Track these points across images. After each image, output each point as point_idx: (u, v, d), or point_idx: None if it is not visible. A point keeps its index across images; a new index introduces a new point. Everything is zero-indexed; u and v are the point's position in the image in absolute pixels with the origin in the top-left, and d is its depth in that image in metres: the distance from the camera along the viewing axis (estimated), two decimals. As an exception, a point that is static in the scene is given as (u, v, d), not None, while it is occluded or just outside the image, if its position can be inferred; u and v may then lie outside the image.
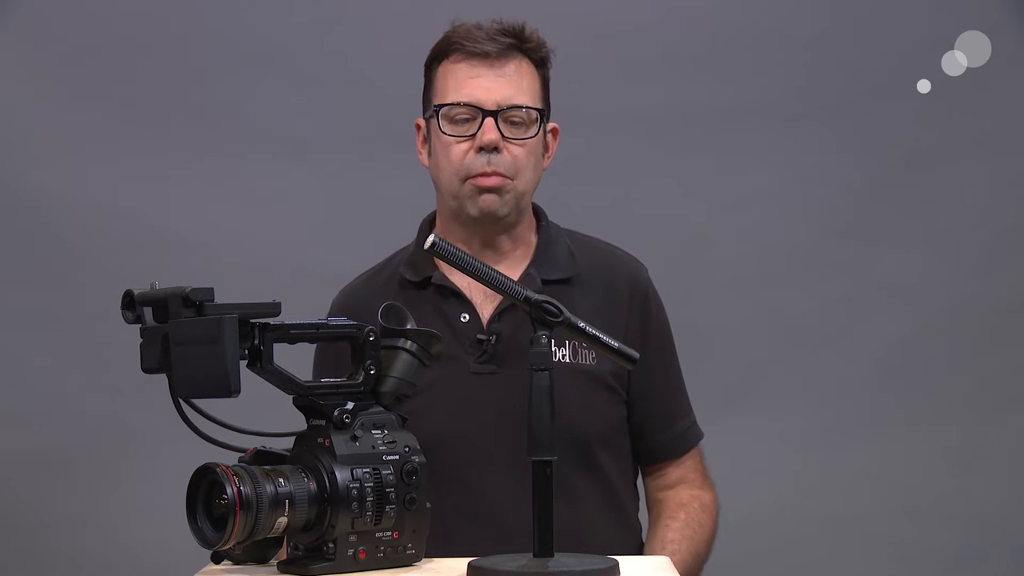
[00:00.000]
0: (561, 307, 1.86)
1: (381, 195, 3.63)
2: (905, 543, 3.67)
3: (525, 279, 2.27)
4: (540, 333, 1.84)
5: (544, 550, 1.81)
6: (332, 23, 3.68)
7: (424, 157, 2.34)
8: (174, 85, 3.66)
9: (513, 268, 2.30)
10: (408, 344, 1.89)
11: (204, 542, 1.76)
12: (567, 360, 2.26)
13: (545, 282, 2.28)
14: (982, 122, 3.66)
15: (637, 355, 1.93)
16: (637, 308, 2.33)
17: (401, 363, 1.88)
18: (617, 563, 1.85)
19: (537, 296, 1.86)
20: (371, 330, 1.86)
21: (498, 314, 2.27)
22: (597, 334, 1.89)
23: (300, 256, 3.63)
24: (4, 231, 3.64)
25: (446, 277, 2.29)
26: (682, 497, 2.38)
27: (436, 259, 2.28)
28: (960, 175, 3.67)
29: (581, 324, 1.88)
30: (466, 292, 2.29)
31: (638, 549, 2.37)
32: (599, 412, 2.29)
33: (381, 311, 1.91)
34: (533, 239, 2.34)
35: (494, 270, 1.88)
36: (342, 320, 1.88)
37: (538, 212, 2.38)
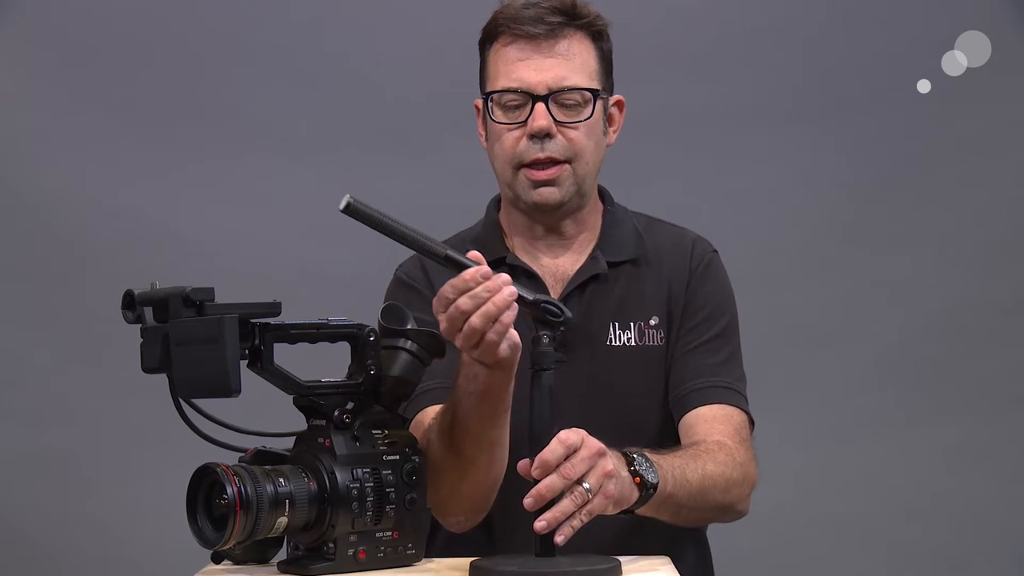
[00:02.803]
0: (562, 307, 1.84)
1: (381, 195, 3.58)
2: (905, 543, 3.67)
3: (591, 262, 2.22)
4: (542, 333, 1.83)
5: (545, 550, 1.81)
6: (332, 23, 3.68)
7: (483, 140, 2.24)
8: (174, 85, 3.66)
9: (579, 251, 2.24)
10: (408, 344, 1.89)
11: (204, 542, 1.76)
12: (632, 343, 2.20)
13: (611, 264, 2.22)
14: (982, 122, 3.66)
15: (565, 313, 1.86)
16: (689, 273, 2.24)
17: (401, 363, 1.88)
18: (619, 563, 1.84)
19: (538, 296, 1.85)
20: (371, 330, 1.86)
21: (564, 298, 2.19)
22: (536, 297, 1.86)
23: (300, 256, 3.63)
24: (4, 231, 3.64)
25: (519, 258, 2.23)
26: (703, 438, 2.15)
27: (504, 239, 2.25)
28: (960, 175, 3.67)
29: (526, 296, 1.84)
30: (539, 273, 2.22)
31: (692, 541, 2.27)
32: (665, 395, 2.22)
33: (381, 311, 1.91)
34: (599, 222, 2.27)
35: (413, 229, 1.82)
36: (342, 320, 1.87)
37: (604, 195, 2.30)
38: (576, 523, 1.80)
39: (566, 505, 1.79)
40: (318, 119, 3.68)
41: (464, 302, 1.79)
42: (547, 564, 1.80)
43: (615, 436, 2.14)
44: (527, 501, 1.79)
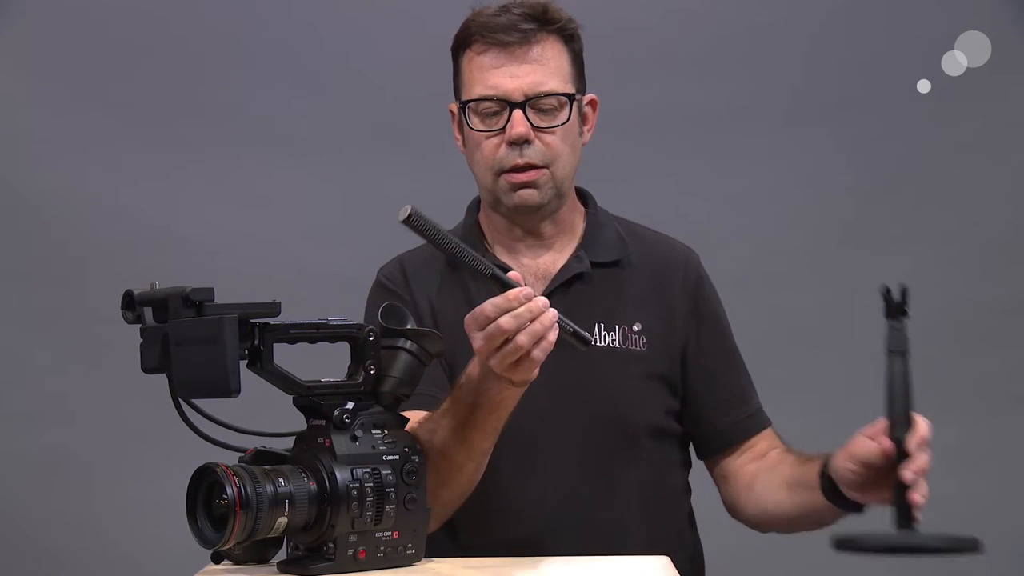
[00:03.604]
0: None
1: (381, 195, 3.62)
2: (905, 543, 3.66)
3: (574, 262, 2.23)
4: (900, 319, 1.84)
5: (905, 522, 1.82)
6: (332, 23, 3.68)
7: (460, 144, 2.26)
8: (174, 85, 3.66)
9: (561, 251, 2.25)
10: (408, 344, 1.89)
11: (204, 542, 1.76)
12: (616, 345, 2.20)
13: (594, 264, 2.23)
14: (982, 122, 3.66)
15: (590, 337, 1.94)
16: (690, 291, 2.27)
17: (401, 363, 1.88)
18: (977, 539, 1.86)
19: (577, 329, 1.89)
20: (371, 330, 1.86)
21: (548, 295, 2.16)
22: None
23: (300, 256, 3.63)
24: (4, 231, 3.64)
25: (499, 258, 2.24)
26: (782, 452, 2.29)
27: (487, 239, 2.27)
28: (960, 175, 3.67)
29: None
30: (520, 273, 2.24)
31: (678, 546, 2.24)
32: (649, 401, 2.22)
33: (381, 311, 1.91)
34: (580, 223, 2.28)
35: (468, 248, 1.87)
36: (342, 320, 1.88)
37: (585, 197, 2.31)
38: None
39: (925, 486, 1.83)
40: (318, 119, 3.68)
41: (507, 321, 1.82)
42: (916, 536, 1.82)
43: (601, 435, 2.15)
44: (908, 475, 1.80)
